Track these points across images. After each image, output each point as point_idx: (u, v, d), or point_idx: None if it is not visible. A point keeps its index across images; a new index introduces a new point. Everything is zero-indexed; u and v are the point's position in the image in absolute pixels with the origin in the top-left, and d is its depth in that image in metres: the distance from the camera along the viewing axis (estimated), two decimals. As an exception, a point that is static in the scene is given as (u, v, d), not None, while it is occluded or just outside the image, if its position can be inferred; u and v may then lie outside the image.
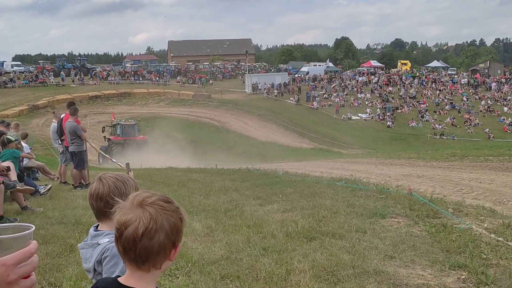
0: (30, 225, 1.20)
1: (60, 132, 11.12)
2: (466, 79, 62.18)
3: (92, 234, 2.22)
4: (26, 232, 1.16)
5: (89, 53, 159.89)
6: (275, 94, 54.14)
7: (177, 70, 69.31)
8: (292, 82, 59.95)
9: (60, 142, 11.24)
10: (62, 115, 11.30)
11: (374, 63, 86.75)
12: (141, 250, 1.38)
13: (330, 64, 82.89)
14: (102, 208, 2.19)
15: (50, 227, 6.30)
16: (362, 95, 55.02)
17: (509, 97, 53.79)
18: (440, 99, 53.50)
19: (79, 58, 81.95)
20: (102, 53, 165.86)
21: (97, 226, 2.27)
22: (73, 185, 10.61)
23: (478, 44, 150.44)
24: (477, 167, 12.47)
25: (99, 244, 2.14)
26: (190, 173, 14.24)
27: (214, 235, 5.90)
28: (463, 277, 4.34)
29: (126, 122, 31.08)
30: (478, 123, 46.38)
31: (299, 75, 65.52)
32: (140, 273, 1.45)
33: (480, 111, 49.96)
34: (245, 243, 5.44)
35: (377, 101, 53.01)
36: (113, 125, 31.27)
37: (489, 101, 52.08)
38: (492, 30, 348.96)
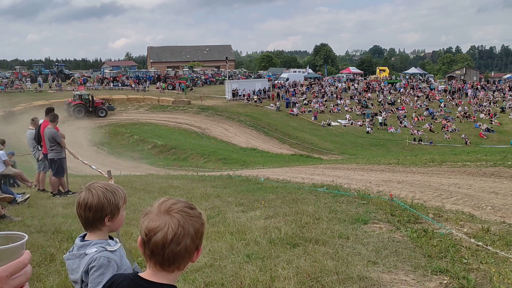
0: (23, 234, 1.16)
1: (38, 138, 10.94)
2: (443, 86, 63.36)
3: (78, 245, 2.17)
4: (19, 242, 1.12)
5: (67, 59, 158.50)
6: (255, 100, 54.16)
7: (156, 76, 68.88)
8: (272, 88, 60.09)
9: (39, 149, 11.06)
10: (40, 121, 11.13)
11: (353, 69, 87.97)
12: (169, 254, 1.52)
13: (310, 71, 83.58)
14: (91, 218, 2.15)
15: (29, 236, 6.15)
16: (342, 101, 55.48)
17: (484, 103, 54.92)
18: (418, 105, 54.38)
19: (57, 63, 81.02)
20: (81, 59, 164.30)
21: (83, 236, 2.22)
22: (51, 192, 10.44)
23: (454, 51, 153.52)
24: (455, 172, 12.64)
25: (87, 254, 2.10)
26: (171, 179, 14.12)
27: (197, 243, 5.85)
28: (445, 281, 4.39)
29: None
30: (455, 129, 47.13)
31: (279, 82, 65.74)
32: (163, 273, 1.60)
33: (457, 117, 50.82)
34: (229, 250, 5.41)
35: (356, 107, 53.50)
36: None
37: (465, 107, 53.07)
38: (468, 38, 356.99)
